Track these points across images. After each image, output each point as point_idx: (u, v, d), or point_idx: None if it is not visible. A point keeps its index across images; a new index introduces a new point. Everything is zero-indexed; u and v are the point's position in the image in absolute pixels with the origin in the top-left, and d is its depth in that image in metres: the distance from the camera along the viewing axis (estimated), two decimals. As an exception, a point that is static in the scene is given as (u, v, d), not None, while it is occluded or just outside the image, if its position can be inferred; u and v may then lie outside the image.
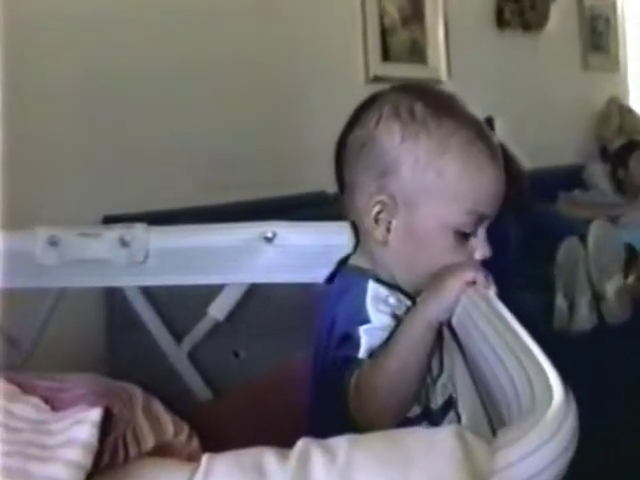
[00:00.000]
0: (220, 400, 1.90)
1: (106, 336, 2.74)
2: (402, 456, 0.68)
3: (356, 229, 1.40)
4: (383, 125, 1.32)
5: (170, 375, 1.93)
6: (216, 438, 0.77)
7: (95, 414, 0.69)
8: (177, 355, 1.93)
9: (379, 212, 1.32)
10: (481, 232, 1.34)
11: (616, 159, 5.18)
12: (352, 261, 1.43)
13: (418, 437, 0.72)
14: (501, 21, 5.10)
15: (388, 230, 1.32)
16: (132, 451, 0.72)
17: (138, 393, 0.81)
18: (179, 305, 1.95)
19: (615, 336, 3.27)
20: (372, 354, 1.23)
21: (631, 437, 2.70)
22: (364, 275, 1.35)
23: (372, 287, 1.31)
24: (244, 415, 1.71)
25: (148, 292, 1.92)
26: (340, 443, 0.70)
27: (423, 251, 1.32)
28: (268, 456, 0.68)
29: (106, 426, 0.70)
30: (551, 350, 0.91)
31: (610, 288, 3.40)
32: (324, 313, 1.36)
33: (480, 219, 1.33)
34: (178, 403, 1.14)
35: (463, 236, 1.32)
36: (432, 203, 1.30)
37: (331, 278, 1.45)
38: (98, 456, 0.68)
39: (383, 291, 1.31)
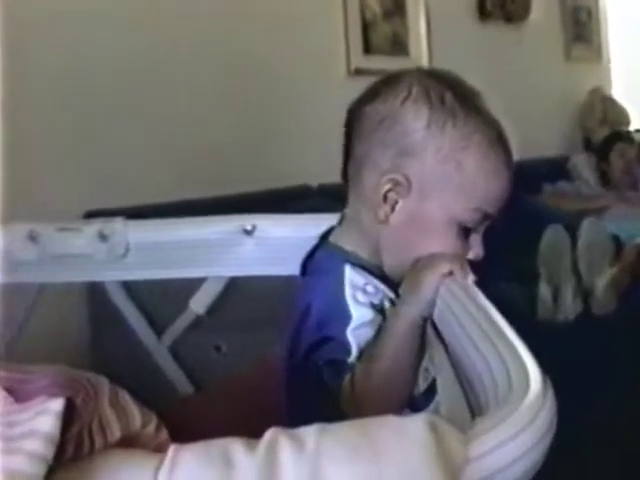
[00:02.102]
0: (201, 394, 1.90)
1: (89, 331, 2.73)
2: (372, 445, 0.67)
3: (342, 201, 1.40)
4: (411, 105, 1.30)
5: (152, 369, 1.93)
6: (196, 432, 0.76)
7: (57, 405, 0.68)
8: (158, 349, 1.93)
9: (389, 190, 1.30)
10: (479, 232, 1.35)
11: (599, 151, 5.19)
12: (334, 238, 1.42)
13: (389, 425, 0.71)
14: (483, 13, 5.10)
15: (392, 210, 1.31)
16: (98, 442, 0.72)
17: (104, 384, 0.80)
18: (160, 299, 1.94)
19: (600, 325, 3.29)
20: (361, 353, 1.23)
21: (615, 427, 2.71)
22: (344, 257, 1.34)
23: (349, 274, 1.29)
24: (224, 409, 1.71)
25: (129, 286, 1.92)
26: (309, 432, 0.69)
27: (423, 238, 1.31)
28: (236, 446, 0.68)
29: (70, 417, 0.70)
30: (535, 340, 0.91)
31: (599, 283, 3.44)
32: (300, 294, 1.36)
33: (484, 218, 1.33)
34: (159, 397, 1.13)
35: (464, 231, 1.32)
36: (444, 194, 1.30)
37: (311, 254, 1.44)
38: (62, 448, 0.68)
39: (360, 279, 1.29)
